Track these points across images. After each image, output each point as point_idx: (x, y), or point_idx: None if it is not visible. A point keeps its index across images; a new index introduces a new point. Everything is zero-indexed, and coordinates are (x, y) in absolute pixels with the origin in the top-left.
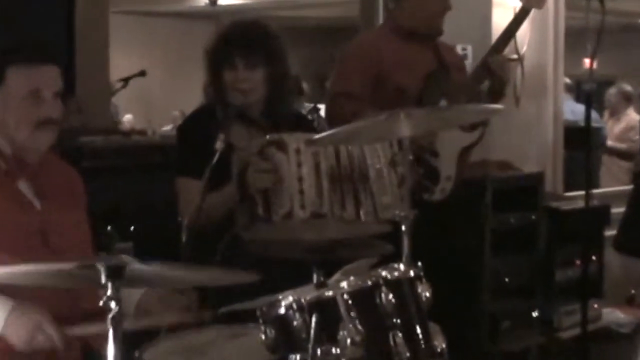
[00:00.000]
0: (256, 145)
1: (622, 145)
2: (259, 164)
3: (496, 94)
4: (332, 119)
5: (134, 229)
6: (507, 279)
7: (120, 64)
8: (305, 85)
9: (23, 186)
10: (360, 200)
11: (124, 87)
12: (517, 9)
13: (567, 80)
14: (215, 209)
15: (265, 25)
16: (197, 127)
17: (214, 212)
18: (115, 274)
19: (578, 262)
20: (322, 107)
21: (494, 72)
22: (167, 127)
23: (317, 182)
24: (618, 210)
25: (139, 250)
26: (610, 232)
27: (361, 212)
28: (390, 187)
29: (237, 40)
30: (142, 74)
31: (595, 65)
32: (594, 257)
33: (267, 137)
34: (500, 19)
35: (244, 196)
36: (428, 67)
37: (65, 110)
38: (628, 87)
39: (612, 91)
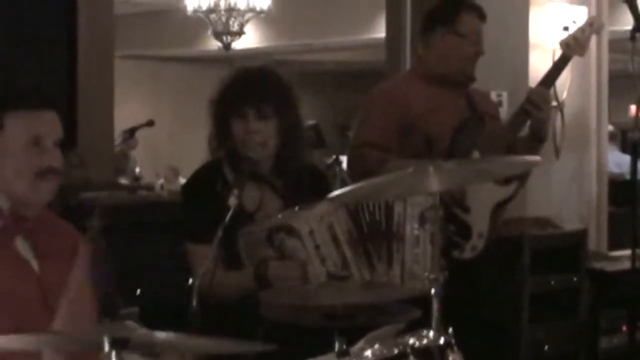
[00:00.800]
0: (262, 231)
1: None
2: (280, 262)
3: (538, 135)
4: (356, 171)
5: (141, 292)
6: (546, 347)
7: (125, 113)
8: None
9: (21, 244)
10: (392, 258)
11: (130, 137)
12: (556, 53)
13: (611, 128)
14: (228, 291)
15: (275, 71)
16: (204, 187)
17: (227, 293)
18: (120, 343)
19: (624, 328)
20: (344, 159)
21: (536, 105)
22: (160, 181)
23: (339, 253)
24: None
25: (145, 315)
26: None
27: (391, 274)
28: (423, 257)
29: (245, 88)
30: (149, 123)
31: None
32: None
33: (273, 220)
34: (538, 63)
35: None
36: (460, 116)
37: (66, 163)
38: None
39: None
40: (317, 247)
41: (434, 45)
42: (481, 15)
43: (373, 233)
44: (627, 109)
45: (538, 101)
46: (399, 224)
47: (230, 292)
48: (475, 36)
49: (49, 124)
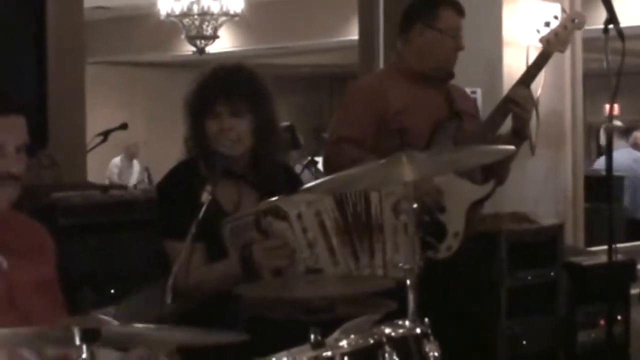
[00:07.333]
0: (248, 215)
1: None
2: (266, 243)
3: (519, 134)
4: (332, 166)
5: (115, 292)
6: (524, 342)
7: (100, 118)
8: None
9: None
10: (373, 249)
11: (103, 141)
12: (530, 50)
13: (619, 124)
14: (214, 284)
15: (249, 68)
16: (179, 184)
17: (213, 286)
18: (91, 336)
19: (602, 322)
20: (319, 160)
21: (517, 103)
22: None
23: (326, 242)
24: None
25: (121, 315)
26: (636, 290)
27: (373, 264)
28: (403, 246)
29: (219, 86)
30: (123, 127)
31: (618, 110)
32: (619, 317)
33: (260, 205)
34: (512, 60)
35: (250, 275)
36: (438, 113)
37: (37, 164)
38: None
39: None
40: (304, 230)
41: (413, 42)
42: (459, 10)
43: (356, 224)
44: (601, 109)
45: (521, 101)
46: (376, 214)
47: (217, 284)
48: (454, 31)
49: (11, 129)
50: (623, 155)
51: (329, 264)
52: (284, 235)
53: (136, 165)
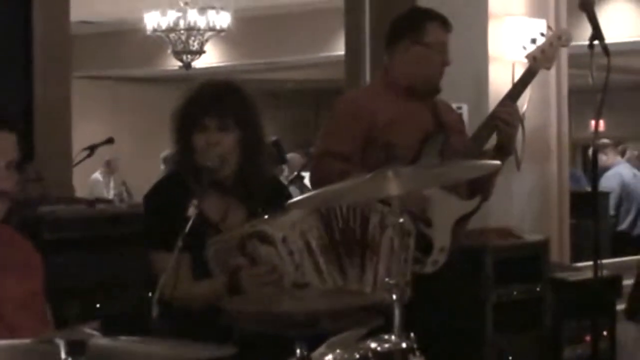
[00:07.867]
0: (233, 238)
1: None
2: (254, 270)
3: (504, 149)
4: (318, 180)
5: (100, 306)
6: (510, 358)
7: (86, 132)
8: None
9: None
10: (365, 266)
11: (90, 155)
12: (516, 66)
13: (606, 141)
14: (199, 300)
15: (237, 84)
16: (166, 196)
17: (197, 302)
18: (76, 349)
19: (588, 338)
20: (306, 175)
21: (503, 119)
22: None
23: (313, 262)
24: (630, 281)
25: (107, 329)
26: (622, 306)
27: (363, 280)
28: (396, 267)
29: (207, 100)
30: (109, 141)
31: (603, 127)
32: (605, 333)
33: (245, 227)
34: (498, 76)
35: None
36: (425, 128)
37: (22, 178)
38: None
39: None
40: (290, 253)
41: (399, 56)
42: (446, 25)
43: (346, 239)
44: (587, 124)
45: (507, 117)
46: (373, 233)
47: (201, 302)
48: (440, 46)
49: (2, 146)
50: (624, 170)
51: (317, 282)
52: (270, 260)
53: (111, 180)
